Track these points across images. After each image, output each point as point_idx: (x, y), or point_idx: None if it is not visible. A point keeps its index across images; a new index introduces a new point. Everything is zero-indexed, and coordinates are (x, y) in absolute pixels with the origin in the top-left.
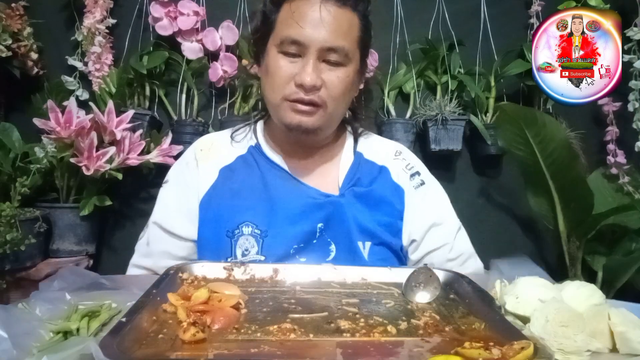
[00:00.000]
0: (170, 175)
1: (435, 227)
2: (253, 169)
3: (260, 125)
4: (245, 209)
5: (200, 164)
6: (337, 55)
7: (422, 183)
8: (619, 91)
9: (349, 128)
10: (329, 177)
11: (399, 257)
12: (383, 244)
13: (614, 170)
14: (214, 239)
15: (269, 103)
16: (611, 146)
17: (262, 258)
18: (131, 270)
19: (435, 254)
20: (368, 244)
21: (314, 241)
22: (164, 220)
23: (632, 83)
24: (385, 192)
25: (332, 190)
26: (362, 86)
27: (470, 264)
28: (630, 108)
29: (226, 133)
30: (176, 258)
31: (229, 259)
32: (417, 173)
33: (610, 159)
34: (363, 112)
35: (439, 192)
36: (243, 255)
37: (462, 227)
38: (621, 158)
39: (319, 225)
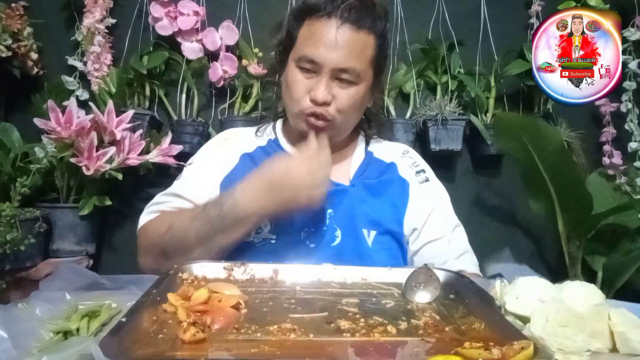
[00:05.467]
0: (194, 158)
1: (434, 217)
2: (270, 158)
3: (279, 122)
4: None
5: (224, 149)
6: (349, 75)
7: (427, 180)
8: (618, 91)
9: (362, 132)
10: (340, 170)
11: (403, 248)
12: (388, 233)
13: (610, 171)
14: None
15: (287, 110)
16: (607, 147)
17: (274, 237)
18: (145, 220)
19: (432, 245)
20: (373, 232)
21: (324, 227)
22: (184, 191)
23: (627, 84)
24: (392, 184)
25: (343, 181)
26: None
27: (466, 259)
28: (623, 109)
29: (250, 128)
30: None
31: None
32: (423, 171)
33: (606, 159)
34: (378, 120)
35: (441, 190)
36: (257, 232)
37: (462, 226)
38: (617, 159)
39: (329, 211)
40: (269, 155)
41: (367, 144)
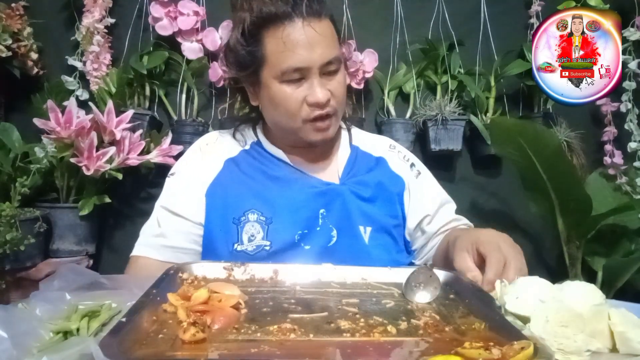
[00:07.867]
0: (176, 167)
1: (444, 207)
2: (256, 161)
3: (259, 124)
4: (250, 197)
5: (205, 156)
6: (334, 64)
7: (420, 172)
8: (618, 91)
9: (342, 123)
10: (329, 168)
11: (398, 244)
12: (383, 230)
13: (611, 171)
14: (221, 226)
15: (283, 128)
16: (608, 147)
17: (268, 243)
18: (138, 251)
19: (445, 226)
20: (369, 228)
21: (317, 228)
22: (172, 204)
23: (626, 84)
24: (385, 180)
25: (333, 180)
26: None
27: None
28: (623, 109)
29: (229, 131)
30: (189, 236)
31: (235, 245)
32: (413, 164)
33: (607, 159)
34: (350, 104)
35: (431, 177)
36: (249, 241)
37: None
38: (618, 158)
39: (321, 211)
40: (254, 158)
41: (350, 135)
